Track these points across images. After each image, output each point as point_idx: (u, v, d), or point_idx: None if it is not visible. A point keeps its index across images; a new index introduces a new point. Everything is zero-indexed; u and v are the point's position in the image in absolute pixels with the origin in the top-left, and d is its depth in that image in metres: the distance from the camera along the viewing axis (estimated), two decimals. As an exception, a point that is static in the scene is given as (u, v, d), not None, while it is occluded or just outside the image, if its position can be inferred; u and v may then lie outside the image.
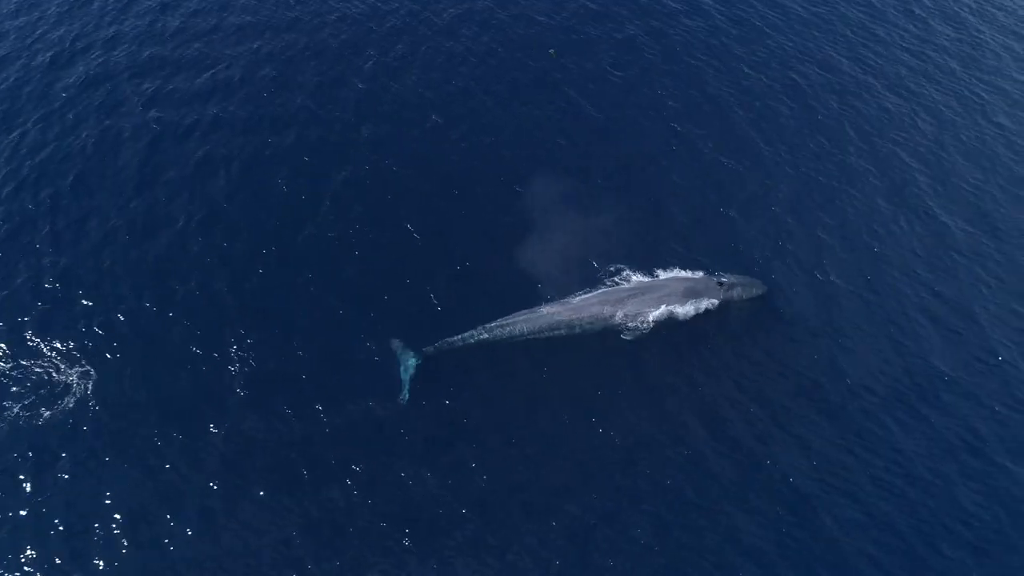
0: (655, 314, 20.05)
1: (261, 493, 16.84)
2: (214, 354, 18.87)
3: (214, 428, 17.68)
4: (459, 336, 19.31)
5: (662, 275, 21.07)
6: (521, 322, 19.57)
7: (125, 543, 15.91)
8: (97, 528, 16.05)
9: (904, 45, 30.18)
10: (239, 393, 18.25)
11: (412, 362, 18.87)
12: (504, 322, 19.55)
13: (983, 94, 28.39)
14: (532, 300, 20.29)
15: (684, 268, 21.40)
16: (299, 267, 20.94)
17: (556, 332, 19.69)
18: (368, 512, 16.70)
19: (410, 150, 24.36)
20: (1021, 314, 21.72)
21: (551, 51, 27.63)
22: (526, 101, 26.28)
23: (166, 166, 23.31)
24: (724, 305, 20.69)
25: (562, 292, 20.54)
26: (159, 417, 17.81)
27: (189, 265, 20.78)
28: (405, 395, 18.47)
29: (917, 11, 32.08)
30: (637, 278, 21.02)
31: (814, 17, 30.94)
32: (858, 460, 18.34)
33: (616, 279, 21.09)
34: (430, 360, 19.12)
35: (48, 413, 17.55)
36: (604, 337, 20.05)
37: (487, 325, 19.49)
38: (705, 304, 20.45)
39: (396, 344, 19.30)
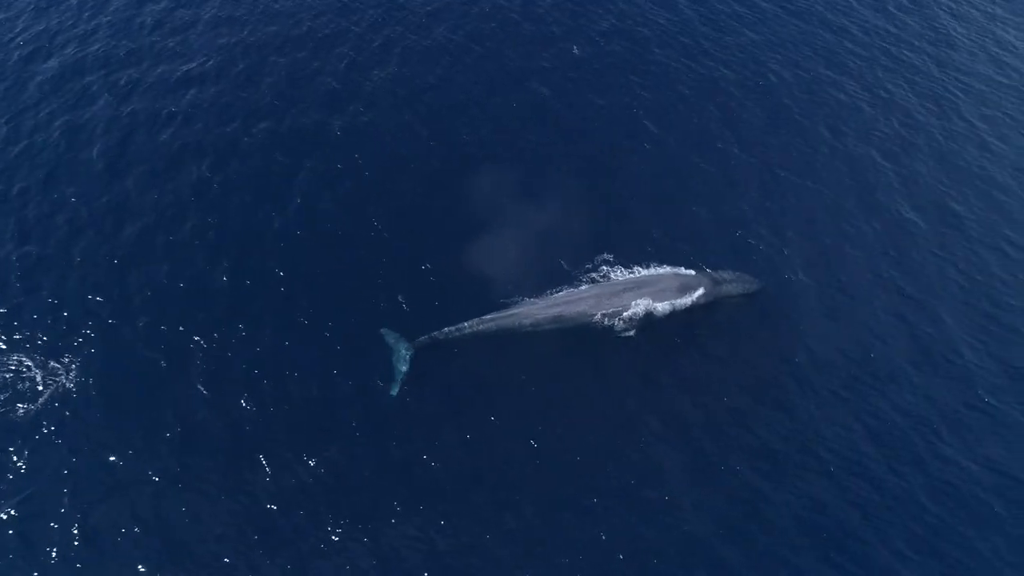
0: (646, 308, 20.15)
1: (219, 485, 16.95)
2: (189, 348, 18.97)
3: (183, 423, 17.78)
4: (452, 328, 19.39)
5: (652, 271, 21.20)
6: (513, 316, 19.71)
7: (77, 543, 15.99)
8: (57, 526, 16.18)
9: (881, 44, 30.17)
10: (206, 388, 18.35)
11: (404, 353, 18.94)
12: (498, 315, 19.69)
13: (958, 92, 28.39)
14: (516, 295, 20.43)
15: (675, 265, 21.46)
16: (271, 261, 21.02)
17: (546, 326, 19.81)
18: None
19: (384, 145, 24.42)
20: (989, 313, 21.76)
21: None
22: (501, 98, 26.32)
23: (138, 161, 23.35)
24: (715, 301, 20.82)
25: (544, 288, 20.66)
26: (126, 412, 17.88)
27: (159, 259, 20.83)
28: (397, 385, 18.58)
29: (892, 9, 32.02)
30: (623, 274, 21.14)
31: (790, 16, 30.94)
32: (817, 459, 18.41)
33: (603, 274, 21.16)
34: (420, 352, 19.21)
35: (20, 409, 17.62)
36: (594, 332, 20.15)
37: (483, 317, 19.60)
38: (694, 299, 20.53)
39: (388, 334, 19.39)
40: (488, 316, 19.69)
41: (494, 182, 23.07)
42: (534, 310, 19.89)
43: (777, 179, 24.53)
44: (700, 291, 20.52)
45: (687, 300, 20.46)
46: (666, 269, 21.22)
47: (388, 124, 25.14)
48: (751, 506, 17.36)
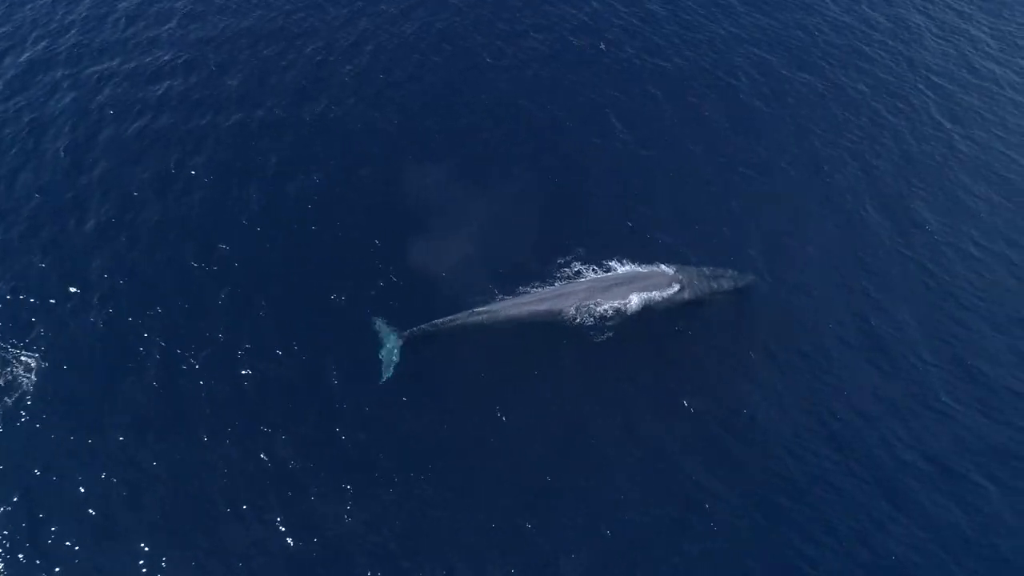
0: (637, 302, 20.12)
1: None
2: (160, 347, 18.78)
3: (144, 409, 17.65)
4: (442, 320, 19.37)
5: (641, 268, 21.07)
6: (504, 309, 19.70)
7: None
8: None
9: (856, 46, 29.92)
10: (184, 379, 18.26)
11: (393, 344, 18.95)
12: (489, 308, 19.70)
13: (929, 93, 28.12)
14: (506, 289, 20.35)
15: (666, 261, 21.26)
16: (241, 256, 20.85)
17: (537, 320, 19.76)
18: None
19: (352, 141, 24.26)
20: (956, 316, 21.53)
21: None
22: (472, 96, 26.13)
23: (106, 155, 23.16)
24: (706, 296, 20.71)
25: (527, 284, 20.54)
26: (86, 398, 17.77)
27: (125, 254, 20.65)
28: (387, 375, 18.60)
29: (867, 9, 31.81)
30: (625, 267, 21.06)
31: (766, 17, 30.71)
32: (776, 459, 18.14)
33: (576, 271, 21.00)
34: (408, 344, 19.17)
35: None
36: (583, 326, 20.02)
37: (474, 309, 19.59)
38: (686, 295, 20.49)
39: (379, 324, 19.38)
40: (480, 308, 19.72)
41: (469, 179, 23.00)
42: (524, 303, 19.91)
43: (746, 179, 24.40)
44: (690, 287, 20.57)
45: (677, 295, 20.44)
46: (658, 266, 21.03)
47: (358, 120, 25.01)
48: (699, 504, 17.22)
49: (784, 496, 17.46)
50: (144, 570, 15.44)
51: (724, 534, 16.77)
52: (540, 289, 20.39)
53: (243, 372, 18.43)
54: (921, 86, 28.39)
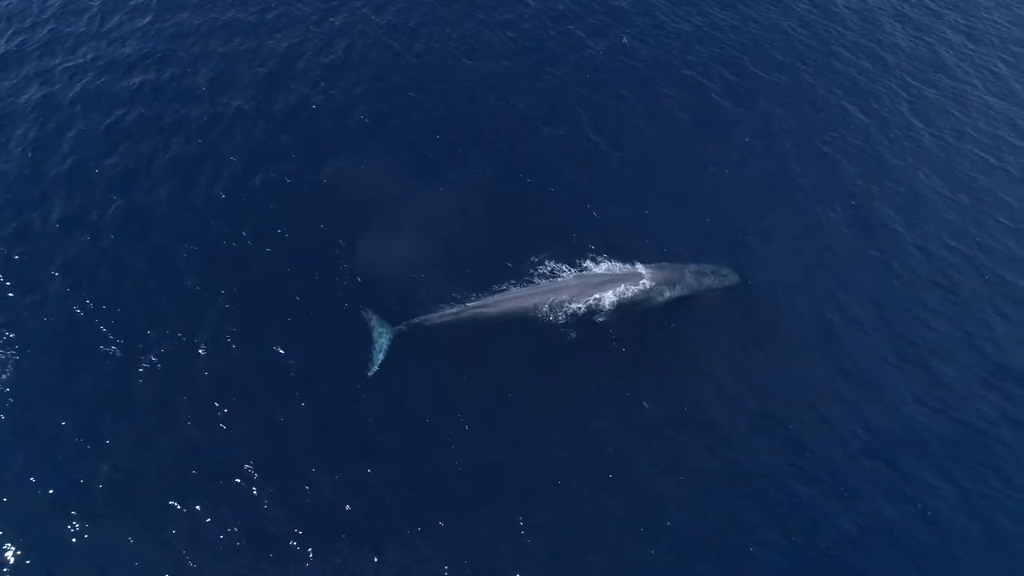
0: (625, 299, 20.48)
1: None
2: (121, 342, 19.26)
3: (135, 422, 18.07)
4: (435, 314, 19.74)
5: (636, 265, 21.37)
6: (494, 304, 20.06)
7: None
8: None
9: (829, 46, 30.09)
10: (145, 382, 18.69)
11: (384, 338, 19.32)
12: (481, 303, 20.06)
13: (901, 93, 28.29)
14: (494, 284, 20.75)
15: (658, 259, 21.59)
16: (207, 250, 21.42)
17: (526, 315, 20.12)
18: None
19: (326, 137, 24.77)
20: (921, 318, 21.70)
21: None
22: (457, 98, 26.53)
23: (74, 150, 23.74)
24: (695, 294, 21.09)
25: (520, 279, 21.00)
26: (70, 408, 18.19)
27: (90, 249, 21.25)
28: (374, 368, 18.96)
29: (839, 8, 31.98)
30: (608, 264, 21.45)
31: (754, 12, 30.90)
32: (740, 470, 18.36)
33: (566, 268, 21.36)
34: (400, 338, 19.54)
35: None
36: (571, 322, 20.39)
37: (467, 304, 19.95)
38: (675, 292, 20.88)
39: (370, 316, 19.72)
40: (471, 303, 20.08)
41: (436, 176, 23.52)
42: (514, 299, 20.24)
43: (715, 178, 24.67)
44: (680, 284, 20.93)
45: (667, 292, 20.80)
46: (634, 266, 21.34)
47: (329, 115, 25.49)
48: (660, 512, 17.47)
49: (740, 497, 17.71)
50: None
51: (678, 534, 17.06)
52: (544, 282, 20.78)
53: (205, 365, 18.91)
54: (894, 86, 28.50)
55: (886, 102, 27.71)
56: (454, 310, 19.86)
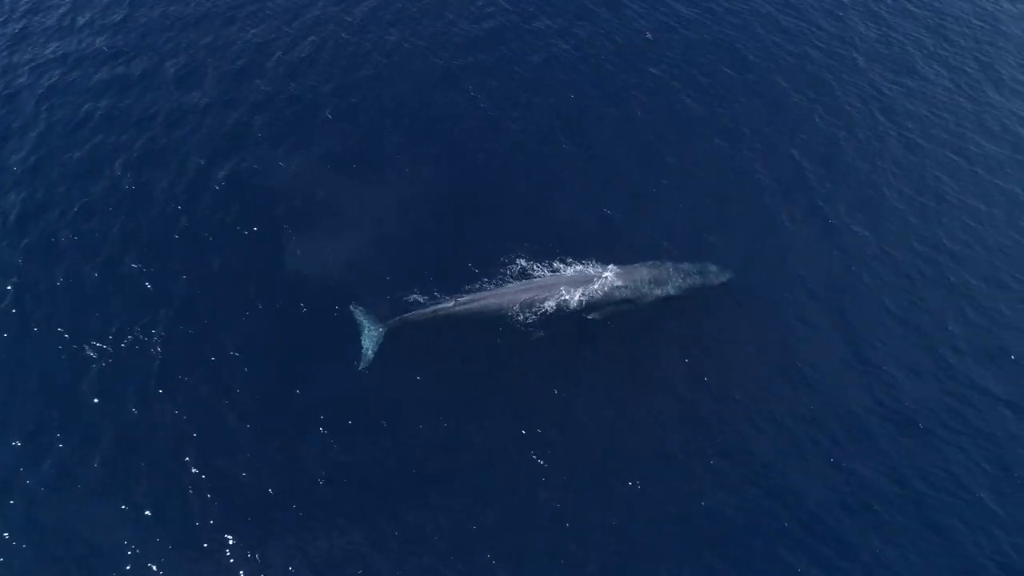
0: (616, 297, 20.57)
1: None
2: (75, 340, 19.28)
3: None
4: (429, 309, 19.76)
5: (609, 266, 21.35)
6: (486, 299, 20.08)
7: None
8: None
9: (815, 42, 30.01)
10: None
11: (374, 332, 19.39)
12: (473, 298, 20.08)
13: (885, 90, 28.23)
14: (483, 281, 20.81)
15: (647, 258, 21.58)
16: (167, 247, 21.42)
17: (517, 310, 20.13)
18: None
19: (297, 131, 24.79)
20: (895, 314, 21.69)
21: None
22: (428, 96, 26.48)
23: (37, 147, 23.71)
24: (686, 292, 21.07)
25: (508, 279, 21.02)
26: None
27: (48, 246, 21.26)
28: (365, 362, 19.09)
29: (815, 8, 31.97)
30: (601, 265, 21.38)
31: (728, 13, 30.82)
32: (712, 463, 18.41)
33: (535, 268, 21.32)
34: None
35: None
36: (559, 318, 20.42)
37: (458, 299, 19.95)
38: (667, 289, 20.93)
39: (358, 312, 19.75)
40: (464, 298, 20.08)
41: (395, 175, 23.61)
42: (506, 294, 20.24)
43: (699, 180, 24.61)
44: (671, 282, 20.96)
45: (658, 290, 20.84)
46: (594, 266, 21.30)
47: (302, 112, 25.46)
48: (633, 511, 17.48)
49: (690, 513, 17.62)
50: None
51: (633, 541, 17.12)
52: (537, 279, 20.83)
53: (158, 356, 19.00)
54: (865, 86, 28.37)
55: (856, 103, 27.57)
56: (447, 304, 19.80)
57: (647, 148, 25.37)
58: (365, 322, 19.72)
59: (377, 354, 19.28)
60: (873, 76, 28.84)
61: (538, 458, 18.08)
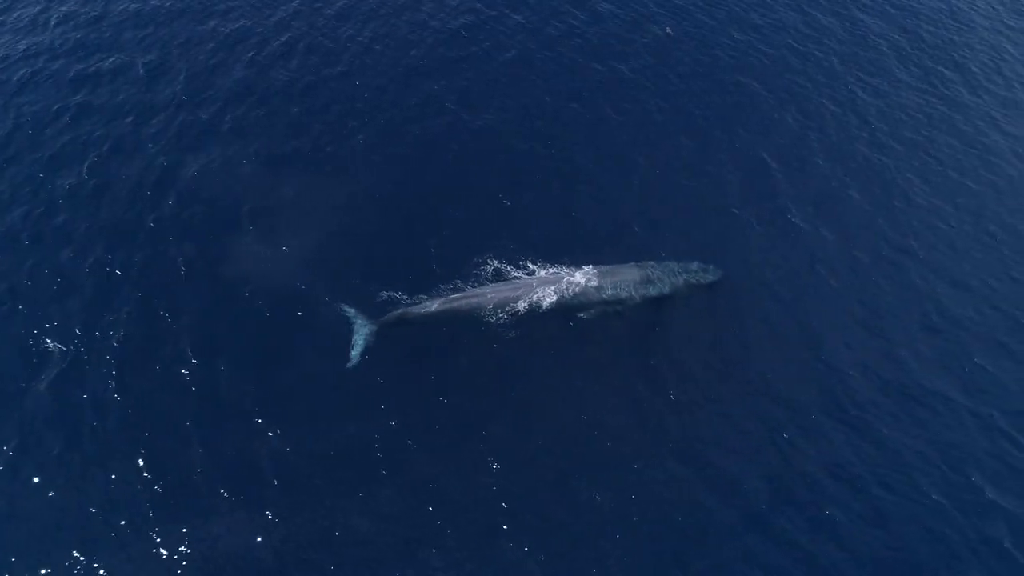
0: (608, 296, 20.64)
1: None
2: (57, 345, 19.29)
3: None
4: (422, 306, 19.75)
5: (584, 267, 21.31)
6: (476, 298, 20.05)
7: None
8: None
9: (789, 42, 29.97)
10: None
11: (365, 330, 19.43)
12: (465, 295, 20.08)
13: (859, 92, 28.18)
14: (475, 279, 20.81)
15: (640, 258, 21.70)
16: (144, 253, 21.36)
17: (511, 308, 20.12)
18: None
19: (273, 136, 24.79)
20: (859, 316, 21.65)
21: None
22: (399, 95, 26.48)
23: (22, 154, 23.68)
24: (677, 291, 21.17)
25: (490, 275, 21.04)
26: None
27: (36, 251, 21.23)
28: (354, 359, 19.07)
29: (790, 12, 31.91)
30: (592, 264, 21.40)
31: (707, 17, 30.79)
32: (677, 462, 18.36)
33: (508, 270, 21.30)
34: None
35: None
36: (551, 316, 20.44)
37: (450, 296, 19.96)
38: (660, 288, 20.98)
39: (349, 310, 19.79)
40: (455, 295, 20.09)
41: (369, 177, 23.52)
42: (500, 292, 20.20)
43: (666, 182, 24.58)
44: (664, 281, 21.05)
45: (644, 290, 20.86)
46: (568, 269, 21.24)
47: (280, 117, 25.46)
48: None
49: (644, 514, 17.55)
50: None
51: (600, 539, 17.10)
52: (531, 277, 20.81)
53: (117, 353, 18.98)
54: (841, 90, 28.38)
55: (829, 105, 27.60)
56: (438, 301, 19.78)
57: (618, 148, 25.38)
58: (357, 320, 19.73)
59: (364, 353, 19.23)
60: (847, 77, 28.81)
61: (491, 459, 18.05)
